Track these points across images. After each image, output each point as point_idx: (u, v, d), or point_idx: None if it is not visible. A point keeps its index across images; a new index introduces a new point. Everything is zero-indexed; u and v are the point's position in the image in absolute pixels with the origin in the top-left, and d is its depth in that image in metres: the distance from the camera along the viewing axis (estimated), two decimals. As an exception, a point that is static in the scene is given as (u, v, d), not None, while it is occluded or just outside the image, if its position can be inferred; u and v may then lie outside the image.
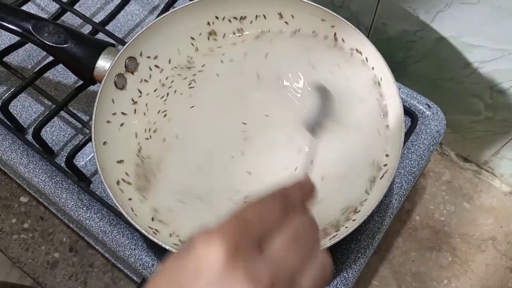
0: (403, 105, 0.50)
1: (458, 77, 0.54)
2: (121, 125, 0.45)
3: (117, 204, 0.38)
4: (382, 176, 0.41)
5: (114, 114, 0.44)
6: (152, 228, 0.39)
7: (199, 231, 0.25)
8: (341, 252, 0.45)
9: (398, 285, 0.58)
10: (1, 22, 0.45)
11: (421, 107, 0.51)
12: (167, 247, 0.37)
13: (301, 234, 0.27)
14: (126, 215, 0.38)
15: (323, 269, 0.28)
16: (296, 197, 0.29)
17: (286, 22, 0.48)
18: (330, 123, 0.41)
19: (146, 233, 0.37)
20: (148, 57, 0.47)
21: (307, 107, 0.44)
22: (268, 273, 0.25)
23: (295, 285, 0.26)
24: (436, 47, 0.53)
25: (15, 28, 0.45)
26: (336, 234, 0.38)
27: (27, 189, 0.60)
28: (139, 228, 0.37)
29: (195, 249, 0.24)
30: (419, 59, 0.57)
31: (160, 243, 0.37)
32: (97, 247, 0.57)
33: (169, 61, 0.48)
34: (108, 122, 0.44)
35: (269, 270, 0.25)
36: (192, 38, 0.48)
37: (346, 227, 0.40)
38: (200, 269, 0.24)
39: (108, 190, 0.39)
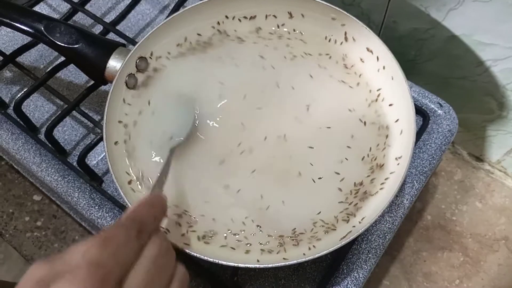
0: (415, 104, 0.50)
1: (470, 76, 0.54)
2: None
3: (129, 204, 0.38)
4: (388, 177, 0.41)
5: (127, 114, 0.45)
6: (163, 228, 0.40)
7: (51, 268, 0.24)
8: (351, 252, 0.44)
9: (409, 285, 0.57)
10: (14, 23, 0.46)
11: (432, 106, 0.51)
12: (179, 246, 0.37)
13: (159, 262, 0.27)
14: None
15: (182, 285, 0.28)
16: (148, 220, 0.29)
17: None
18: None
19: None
20: (159, 57, 0.47)
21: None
22: None
23: None
24: (447, 45, 0.53)
25: (27, 29, 0.46)
26: (346, 235, 0.38)
27: (40, 188, 0.60)
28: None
29: None
30: (430, 57, 0.56)
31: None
32: (108, 246, 0.57)
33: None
34: (119, 122, 0.44)
35: None
36: (200, 36, 0.48)
37: (354, 226, 0.39)
38: None
39: (119, 189, 0.39)
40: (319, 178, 0.42)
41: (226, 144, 0.44)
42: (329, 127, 0.44)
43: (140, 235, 0.27)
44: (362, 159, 0.43)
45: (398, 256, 0.59)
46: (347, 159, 0.43)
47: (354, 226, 0.40)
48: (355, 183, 0.42)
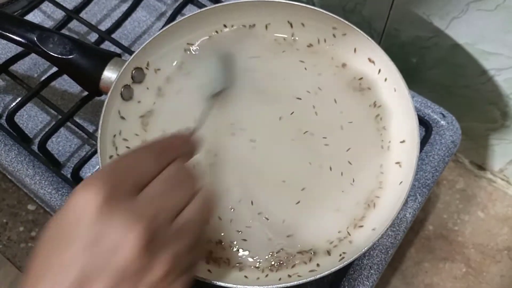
0: (417, 114, 0.49)
1: (474, 85, 0.53)
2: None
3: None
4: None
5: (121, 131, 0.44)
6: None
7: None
8: (353, 268, 0.43)
9: (411, 297, 0.57)
10: (5, 33, 0.44)
11: (435, 116, 0.50)
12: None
13: (176, 178, 0.29)
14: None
15: (203, 204, 0.29)
16: (173, 152, 0.30)
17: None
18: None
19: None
20: (157, 68, 0.46)
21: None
22: (144, 212, 0.26)
23: (175, 218, 0.28)
24: (450, 54, 0.51)
25: (20, 39, 0.44)
26: (344, 257, 0.37)
27: (34, 198, 0.59)
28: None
29: (74, 198, 0.26)
30: (433, 66, 0.55)
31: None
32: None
33: (177, 71, 0.47)
34: (114, 135, 0.43)
35: (145, 209, 0.26)
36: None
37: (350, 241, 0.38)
38: (79, 217, 0.25)
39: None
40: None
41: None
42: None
43: (160, 159, 0.29)
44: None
45: (399, 267, 0.58)
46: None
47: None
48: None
